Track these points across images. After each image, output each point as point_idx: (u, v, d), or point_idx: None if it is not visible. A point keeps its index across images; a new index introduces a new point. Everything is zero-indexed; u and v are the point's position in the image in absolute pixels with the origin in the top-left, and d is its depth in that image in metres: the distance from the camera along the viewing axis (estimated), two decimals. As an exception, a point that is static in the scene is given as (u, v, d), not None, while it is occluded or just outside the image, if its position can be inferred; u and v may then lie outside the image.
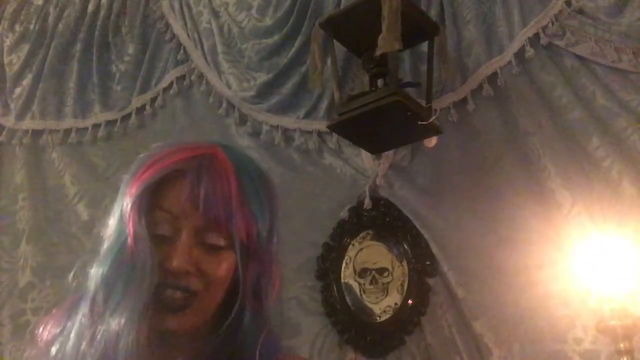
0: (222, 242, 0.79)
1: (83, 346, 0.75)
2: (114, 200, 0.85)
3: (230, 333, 0.80)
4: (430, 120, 1.78)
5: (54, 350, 0.78)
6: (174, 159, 0.80)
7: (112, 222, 0.82)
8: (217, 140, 0.87)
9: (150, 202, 0.79)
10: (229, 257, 0.80)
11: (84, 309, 0.77)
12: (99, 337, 0.74)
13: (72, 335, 0.77)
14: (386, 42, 1.66)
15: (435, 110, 1.85)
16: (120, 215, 0.80)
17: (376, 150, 2.00)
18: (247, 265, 0.81)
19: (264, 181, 0.86)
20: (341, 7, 2.08)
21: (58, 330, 0.80)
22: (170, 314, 0.77)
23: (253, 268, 0.82)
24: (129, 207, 0.79)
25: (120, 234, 0.79)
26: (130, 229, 0.77)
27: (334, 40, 1.91)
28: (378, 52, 1.69)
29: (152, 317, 0.77)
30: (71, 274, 0.85)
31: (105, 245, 0.80)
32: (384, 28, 1.67)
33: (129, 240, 0.77)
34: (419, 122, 1.77)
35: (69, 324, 0.78)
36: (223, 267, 0.79)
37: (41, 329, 0.82)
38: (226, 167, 0.81)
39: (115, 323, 0.73)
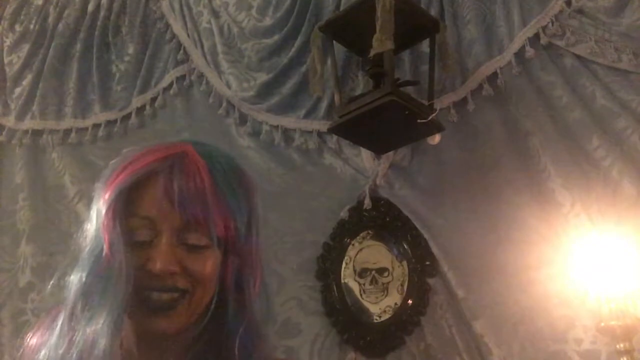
0: (203, 241, 0.79)
1: (61, 353, 0.75)
2: None
3: (216, 327, 0.80)
4: (430, 118, 1.77)
5: (39, 356, 0.78)
6: (145, 162, 0.80)
7: (90, 229, 0.81)
8: (190, 138, 0.88)
9: (126, 208, 0.78)
10: (212, 255, 0.80)
11: (62, 317, 0.77)
12: (75, 344, 0.74)
13: (53, 342, 0.77)
14: (379, 42, 1.67)
15: (435, 109, 1.85)
16: (96, 222, 0.80)
17: (380, 150, 2.00)
18: (227, 260, 0.81)
19: (239, 175, 0.85)
20: (340, 8, 2.09)
21: (43, 338, 0.80)
22: (159, 315, 0.77)
23: (233, 262, 0.82)
24: (104, 213, 0.78)
25: (97, 241, 0.78)
26: (105, 236, 0.77)
27: (334, 42, 1.91)
28: (372, 53, 1.70)
29: (141, 320, 0.77)
30: (50, 283, 0.85)
31: (84, 252, 0.80)
32: (377, 28, 1.67)
33: (105, 247, 0.77)
34: (418, 121, 1.77)
35: (52, 331, 0.78)
36: (208, 265, 0.79)
37: (29, 336, 0.82)
38: (198, 164, 0.80)
39: (91, 331, 0.73)
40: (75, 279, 0.78)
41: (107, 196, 0.79)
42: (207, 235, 0.78)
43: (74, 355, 0.73)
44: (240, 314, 0.81)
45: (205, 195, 0.78)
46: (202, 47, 2.37)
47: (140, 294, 0.76)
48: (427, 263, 1.87)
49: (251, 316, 0.82)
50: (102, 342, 0.72)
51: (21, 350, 0.83)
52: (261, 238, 0.88)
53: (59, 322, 0.77)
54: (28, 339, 0.82)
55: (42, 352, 0.78)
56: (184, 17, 2.44)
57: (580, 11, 1.77)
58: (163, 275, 0.76)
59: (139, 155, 0.81)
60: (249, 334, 0.81)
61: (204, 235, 0.78)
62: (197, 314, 0.80)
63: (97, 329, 0.73)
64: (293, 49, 2.18)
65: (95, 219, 0.80)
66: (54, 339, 0.77)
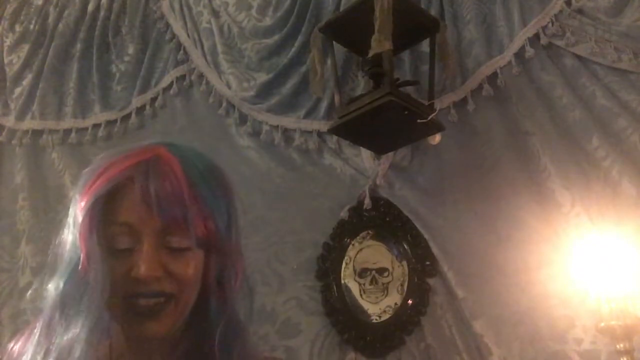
0: (184, 244, 0.79)
1: None
2: None
3: (199, 324, 0.81)
4: (429, 118, 1.77)
5: None
6: (119, 168, 0.79)
7: (67, 237, 0.81)
8: (163, 141, 0.86)
9: (103, 215, 0.77)
10: (195, 256, 0.80)
11: (39, 326, 0.77)
12: (51, 353, 0.74)
13: (30, 352, 0.77)
14: (378, 42, 1.67)
15: (435, 108, 1.85)
16: (73, 230, 0.80)
17: (381, 150, 2.00)
18: (209, 259, 0.82)
19: (215, 174, 0.85)
20: (340, 9, 2.09)
21: (23, 347, 0.79)
22: (148, 320, 0.77)
23: (214, 260, 0.82)
24: (80, 222, 0.78)
25: (75, 250, 0.78)
26: (82, 245, 0.77)
27: (334, 43, 1.92)
28: (371, 54, 1.70)
29: (130, 325, 0.77)
30: (28, 293, 0.86)
31: (62, 261, 0.80)
32: (376, 29, 1.67)
33: (82, 256, 0.77)
34: (418, 121, 1.77)
35: (31, 340, 0.78)
36: (191, 266, 0.79)
37: (11, 344, 0.82)
38: (173, 165, 0.80)
39: (67, 340, 0.73)
40: (52, 288, 0.78)
41: (83, 204, 0.78)
42: (188, 237, 0.78)
43: None
44: (221, 310, 0.82)
45: (183, 197, 0.78)
46: (202, 47, 2.36)
47: (127, 301, 0.76)
48: (427, 263, 1.87)
49: (232, 312, 0.83)
50: (78, 351, 0.72)
51: (3, 357, 0.83)
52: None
53: (37, 332, 0.77)
54: (9, 348, 0.82)
55: None
56: (184, 17, 2.44)
57: (580, 11, 1.77)
58: (148, 280, 0.76)
59: (113, 162, 0.81)
60: (229, 329, 0.82)
61: (185, 237, 0.78)
62: (184, 315, 0.81)
63: (73, 337, 0.73)
64: (293, 49, 2.18)
65: (73, 227, 0.80)
66: (31, 349, 0.77)
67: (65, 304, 0.76)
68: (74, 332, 0.73)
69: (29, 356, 0.76)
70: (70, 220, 0.81)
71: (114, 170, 0.79)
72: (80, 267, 0.76)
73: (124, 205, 0.78)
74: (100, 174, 0.80)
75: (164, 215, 0.77)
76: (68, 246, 0.80)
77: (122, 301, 0.76)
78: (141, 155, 0.81)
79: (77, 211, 0.79)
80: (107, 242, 0.77)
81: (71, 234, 0.80)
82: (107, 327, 0.76)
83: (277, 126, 2.17)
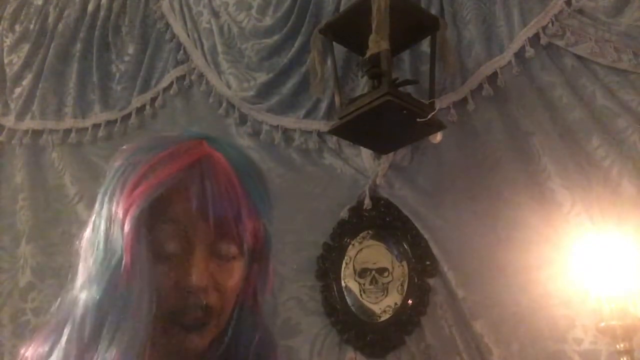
0: (232, 252, 0.76)
1: None
2: None
3: (231, 340, 0.78)
4: (429, 117, 1.77)
5: None
6: (171, 170, 0.73)
7: (96, 238, 0.74)
8: (200, 133, 0.81)
9: (152, 217, 0.71)
10: (239, 265, 0.77)
11: (69, 334, 0.70)
12: None
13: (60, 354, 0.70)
14: (375, 43, 1.67)
15: (435, 107, 1.85)
16: (106, 231, 0.73)
17: (383, 150, 2.00)
18: (252, 268, 0.80)
19: (259, 173, 0.82)
20: (340, 8, 2.09)
21: (44, 352, 0.73)
22: (192, 333, 0.73)
23: (256, 270, 0.80)
24: (128, 228, 0.70)
25: (111, 254, 0.71)
26: (127, 249, 0.70)
27: (335, 44, 1.92)
28: (368, 54, 1.70)
29: (172, 338, 0.73)
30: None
31: (95, 265, 0.72)
32: (373, 29, 1.67)
33: (126, 262, 0.69)
34: (417, 120, 1.77)
35: (54, 347, 0.71)
36: (235, 276, 0.76)
37: (25, 350, 0.76)
38: (227, 170, 0.75)
39: (110, 357, 0.66)
40: (86, 296, 0.71)
41: (127, 207, 0.72)
42: (238, 245, 0.76)
43: None
44: (256, 324, 0.80)
45: (240, 207, 0.75)
46: (202, 47, 2.37)
47: (173, 312, 0.72)
48: (427, 263, 1.87)
49: (265, 326, 0.81)
50: None
51: None
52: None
53: (62, 341, 0.70)
54: (21, 354, 0.76)
55: None
56: (184, 17, 2.44)
57: (580, 11, 1.77)
58: (197, 291, 0.72)
59: (159, 160, 0.74)
60: (264, 345, 0.80)
61: (234, 244, 0.76)
62: (222, 326, 0.77)
63: (118, 355, 0.66)
64: (293, 49, 2.18)
65: (106, 227, 0.73)
66: (56, 357, 0.70)
67: (104, 316, 0.69)
68: (117, 352, 0.66)
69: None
70: (102, 217, 0.75)
71: (164, 172, 0.73)
72: (120, 274, 0.69)
73: (176, 206, 0.73)
74: (144, 174, 0.73)
75: (219, 221, 0.73)
76: (100, 246, 0.73)
77: (167, 312, 0.72)
78: (191, 156, 0.75)
79: (117, 212, 0.73)
80: (156, 246, 0.71)
81: (101, 235, 0.73)
82: (145, 345, 0.69)
83: (277, 126, 2.17)
